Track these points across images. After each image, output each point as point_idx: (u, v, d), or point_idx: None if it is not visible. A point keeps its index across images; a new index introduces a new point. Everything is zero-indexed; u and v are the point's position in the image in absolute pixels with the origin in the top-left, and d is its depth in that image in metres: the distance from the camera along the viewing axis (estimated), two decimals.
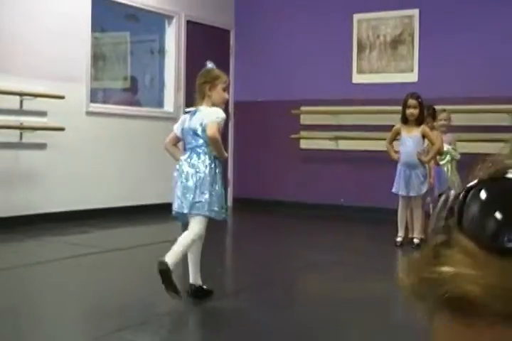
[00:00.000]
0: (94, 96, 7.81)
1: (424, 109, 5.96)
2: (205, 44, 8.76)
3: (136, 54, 9.00)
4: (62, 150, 7.02)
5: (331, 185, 8.61)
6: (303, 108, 8.80)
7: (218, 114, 4.01)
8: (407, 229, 6.10)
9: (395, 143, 6.14)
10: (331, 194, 8.55)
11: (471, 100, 7.60)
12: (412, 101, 5.87)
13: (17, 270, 4.83)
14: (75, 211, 7.07)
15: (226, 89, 4.16)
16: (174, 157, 4.18)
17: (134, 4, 8.00)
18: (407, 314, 2.80)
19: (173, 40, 8.55)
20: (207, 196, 3.92)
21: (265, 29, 9.16)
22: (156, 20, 8.62)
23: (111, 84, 9.13)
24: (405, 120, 5.91)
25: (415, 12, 8.17)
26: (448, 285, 0.42)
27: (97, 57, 8.32)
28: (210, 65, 4.19)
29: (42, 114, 6.82)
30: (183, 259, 3.96)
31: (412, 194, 5.92)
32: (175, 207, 4.00)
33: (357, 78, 8.57)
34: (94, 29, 7.58)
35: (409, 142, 5.89)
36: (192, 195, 3.92)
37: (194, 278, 3.99)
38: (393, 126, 6.13)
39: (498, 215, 0.43)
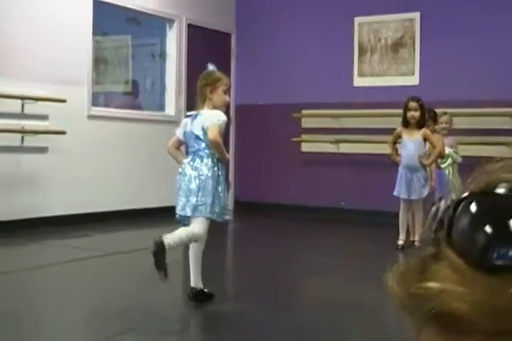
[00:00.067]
0: (95, 100, 7.82)
1: (425, 112, 5.96)
2: (206, 47, 8.76)
3: (138, 57, 9.01)
4: (64, 154, 7.03)
5: (332, 188, 8.60)
6: (304, 111, 8.80)
7: (219, 116, 4.02)
8: (408, 233, 6.10)
9: (396, 146, 6.14)
10: (332, 197, 8.54)
11: (473, 103, 7.60)
12: (412, 104, 5.87)
13: (19, 273, 4.83)
14: (77, 214, 7.07)
15: (227, 92, 4.16)
16: (177, 160, 4.19)
17: (135, 8, 8.01)
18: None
19: (175, 44, 8.56)
20: (209, 198, 3.93)
21: (266, 32, 9.16)
22: (157, 24, 8.63)
23: (112, 88, 9.14)
24: (406, 123, 5.91)
25: (416, 15, 8.18)
26: (435, 301, 0.42)
27: (99, 61, 8.33)
28: (211, 67, 4.19)
29: (43, 117, 6.82)
30: (185, 263, 3.96)
31: (413, 197, 5.91)
32: (178, 210, 4.02)
33: (358, 81, 8.57)
34: (95, 33, 7.59)
35: (411, 145, 5.89)
36: (195, 198, 3.93)
37: (195, 281, 3.99)
38: (394, 129, 6.13)
39: (487, 229, 0.43)
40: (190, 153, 4.10)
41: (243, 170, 9.28)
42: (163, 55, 8.71)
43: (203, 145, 4.00)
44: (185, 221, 4.08)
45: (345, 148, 8.53)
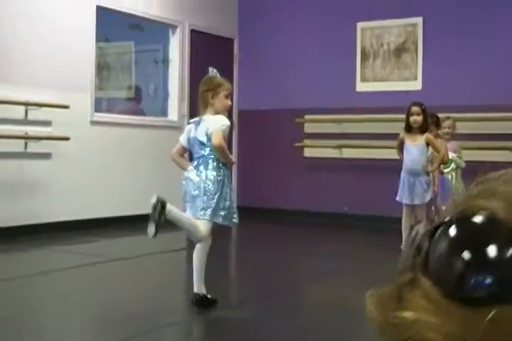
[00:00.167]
0: (98, 106, 7.84)
1: (428, 117, 5.96)
2: (209, 53, 8.78)
3: (141, 63, 9.03)
4: (67, 160, 7.04)
5: (334, 193, 8.60)
6: (307, 116, 8.81)
7: (223, 121, 4.03)
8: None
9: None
10: (335, 202, 8.54)
11: (476, 108, 7.60)
12: (414, 108, 5.87)
13: (21, 280, 4.83)
14: (80, 220, 7.07)
15: (229, 96, 4.17)
16: (182, 167, 4.20)
17: (138, 14, 8.04)
18: None
19: (177, 50, 8.58)
20: (214, 202, 3.94)
21: (269, 37, 9.18)
22: (160, 30, 8.65)
23: (115, 94, 9.15)
24: (409, 128, 5.91)
25: (419, 20, 8.18)
26: (410, 331, 0.42)
27: (102, 67, 8.35)
28: (212, 71, 4.20)
29: (47, 123, 6.84)
30: (188, 269, 3.95)
31: (416, 202, 5.90)
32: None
33: (361, 86, 8.57)
34: (98, 39, 7.61)
35: (414, 150, 5.89)
36: (200, 202, 3.94)
37: (198, 287, 3.99)
38: (397, 134, 6.13)
39: (462, 257, 0.43)
40: (194, 159, 4.11)
41: (245, 176, 9.28)
42: (166, 61, 8.73)
43: (208, 150, 4.02)
44: None
45: (348, 153, 8.53)
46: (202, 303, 3.97)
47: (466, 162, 6.47)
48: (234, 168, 8.79)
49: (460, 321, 0.41)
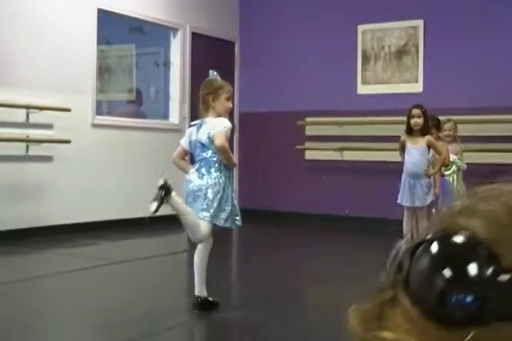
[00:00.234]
0: (99, 109, 7.85)
1: (429, 120, 5.95)
2: (210, 55, 8.79)
3: (142, 66, 9.04)
4: (68, 163, 7.04)
5: (335, 195, 8.60)
6: (308, 119, 8.81)
7: (225, 123, 4.04)
8: (413, 240, 6.07)
9: None
10: (336, 205, 8.54)
11: (477, 110, 7.60)
12: (415, 111, 5.86)
13: (23, 282, 4.83)
14: (82, 223, 7.07)
15: (230, 99, 4.17)
16: (184, 170, 4.20)
17: (139, 17, 8.05)
18: None
19: (178, 52, 8.59)
20: (215, 204, 3.95)
21: (270, 40, 9.19)
22: (161, 33, 8.66)
23: (116, 97, 9.16)
24: (410, 131, 5.90)
25: (420, 23, 8.19)
26: None
27: (103, 70, 8.36)
28: (213, 74, 4.20)
29: (48, 126, 6.85)
30: (189, 272, 3.95)
31: (416, 204, 5.90)
32: None
33: (362, 89, 8.58)
34: (99, 42, 7.62)
35: (415, 153, 5.88)
36: (201, 205, 3.95)
37: (200, 289, 3.99)
38: (398, 136, 6.13)
39: (441, 278, 0.43)
40: (196, 162, 4.12)
41: (247, 178, 9.28)
42: (167, 64, 8.73)
43: (210, 153, 4.03)
44: None
45: (349, 156, 8.53)
46: (203, 306, 3.97)
47: (468, 164, 6.48)
48: (235, 170, 8.80)
49: None
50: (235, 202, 4.13)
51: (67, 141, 6.85)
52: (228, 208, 4.02)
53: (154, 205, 3.76)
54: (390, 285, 0.47)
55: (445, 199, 6.03)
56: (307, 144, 8.87)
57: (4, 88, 6.44)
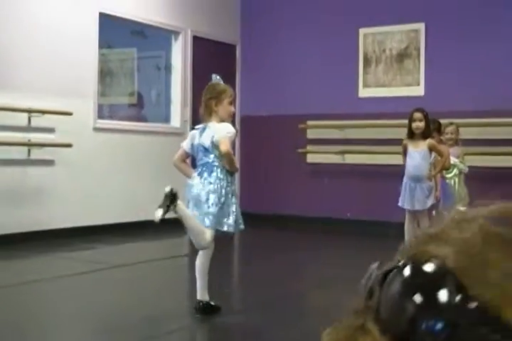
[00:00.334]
0: (100, 112, 7.85)
1: (430, 123, 5.95)
2: (212, 59, 8.80)
3: (143, 70, 9.05)
4: (70, 167, 7.04)
5: (337, 199, 8.59)
6: (309, 122, 8.81)
7: (228, 129, 4.03)
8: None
9: None
10: (338, 208, 8.53)
11: (479, 113, 7.60)
12: (417, 114, 5.86)
13: (23, 286, 4.82)
14: (82, 227, 7.07)
15: (232, 103, 4.17)
16: (185, 173, 4.20)
17: (141, 20, 8.05)
18: None
19: (180, 56, 8.59)
20: (216, 209, 3.94)
21: (271, 43, 9.19)
22: (163, 36, 8.67)
23: (118, 100, 9.17)
24: (411, 134, 5.90)
25: (421, 26, 8.19)
26: None
27: (104, 74, 8.36)
28: (216, 78, 4.20)
29: (50, 130, 6.85)
30: (191, 276, 3.94)
31: (417, 208, 5.89)
32: None
33: (363, 92, 8.58)
34: (101, 45, 7.62)
35: (416, 156, 5.88)
36: (204, 210, 3.94)
37: (201, 294, 3.98)
38: (399, 139, 6.12)
39: (409, 305, 0.43)
40: (198, 166, 4.10)
41: (248, 181, 9.27)
42: (168, 67, 8.74)
43: (212, 157, 4.01)
44: None
45: (351, 159, 8.53)
46: (205, 310, 3.96)
47: (469, 167, 6.47)
48: (237, 173, 8.79)
49: None
50: (238, 206, 4.12)
51: (69, 145, 6.85)
52: (231, 213, 4.01)
53: (160, 212, 3.76)
54: (361, 312, 0.47)
55: (446, 202, 6.03)
56: (309, 147, 8.87)
57: (6, 92, 6.44)
